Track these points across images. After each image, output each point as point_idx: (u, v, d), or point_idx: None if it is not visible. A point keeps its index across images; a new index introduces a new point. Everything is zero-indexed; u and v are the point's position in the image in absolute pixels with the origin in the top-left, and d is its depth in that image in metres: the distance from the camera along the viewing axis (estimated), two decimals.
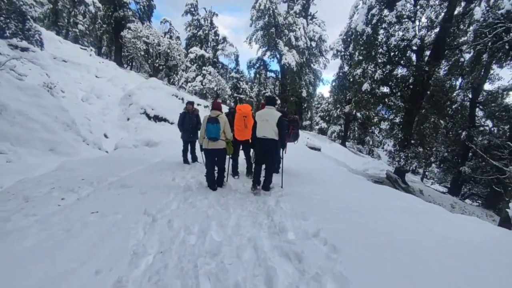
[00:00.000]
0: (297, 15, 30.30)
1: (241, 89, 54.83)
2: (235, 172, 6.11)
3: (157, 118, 13.69)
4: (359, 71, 14.17)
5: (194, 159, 7.13)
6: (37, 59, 14.72)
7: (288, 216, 3.38)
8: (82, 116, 10.43)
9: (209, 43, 41.85)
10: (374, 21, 12.76)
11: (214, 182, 4.93)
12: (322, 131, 43.94)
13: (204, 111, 24.87)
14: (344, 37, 33.38)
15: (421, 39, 12.14)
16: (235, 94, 49.99)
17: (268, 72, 33.43)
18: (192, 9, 42.98)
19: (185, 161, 6.90)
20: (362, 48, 13.53)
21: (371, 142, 40.93)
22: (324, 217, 3.30)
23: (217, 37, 40.27)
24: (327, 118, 52.10)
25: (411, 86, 13.55)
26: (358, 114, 37.57)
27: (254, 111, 5.68)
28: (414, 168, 16.62)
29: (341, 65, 36.09)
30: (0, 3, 12.62)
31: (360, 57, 14.10)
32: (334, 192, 4.91)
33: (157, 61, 26.61)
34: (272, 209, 3.72)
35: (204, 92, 31.87)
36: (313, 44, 30.96)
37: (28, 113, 5.55)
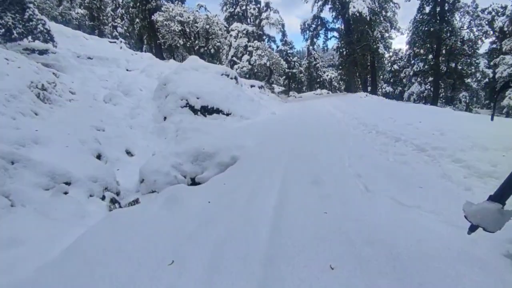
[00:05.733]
0: None
1: (293, 63, 48.74)
2: None
3: (206, 110, 9.20)
4: None
5: None
6: (58, 61, 11.51)
7: None
8: (88, 127, 6.31)
9: (249, 19, 36.55)
10: None
11: None
12: (387, 96, 36.30)
13: (264, 94, 20.01)
14: None
15: None
16: (286, 70, 44.20)
17: (328, 32, 26.83)
18: None
19: None
20: None
21: (467, 99, 32.20)
22: None
23: (258, 6, 34.53)
24: (392, 80, 43.55)
25: None
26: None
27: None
28: None
29: (420, 5, 27.75)
30: None
31: None
32: None
33: (196, 42, 22.32)
34: None
35: (255, 71, 27.00)
36: None
37: None
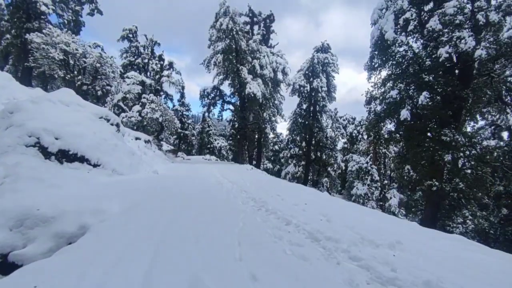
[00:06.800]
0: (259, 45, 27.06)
1: (187, 124, 48.69)
2: None
3: (65, 156, 7.10)
4: (394, 92, 10.28)
5: None
6: None
7: None
8: None
9: (149, 73, 35.67)
10: (410, 27, 9.29)
11: None
12: (267, 171, 40.43)
13: (151, 149, 18.16)
14: (307, 71, 31.38)
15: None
16: (179, 130, 43.50)
17: (225, 104, 28.52)
18: (130, 35, 36.71)
19: None
20: (394, 62, 9.89)
21: (328, 184, 38.45)
22: None
23: (161, 63, 34.39)
24: (272, 159, 49.37)
25: None
26: (318, 154, 35.26)
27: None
28: None
29: (300, 102, 33.78)
30: None
31: (389, 74, 10.38)
32: None
33: (79, 77, 19.37)
34: None
35: (145, 124, 25.07)
36: (278, 76, 27.71)
37: None
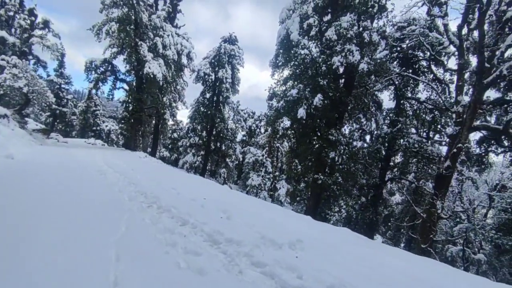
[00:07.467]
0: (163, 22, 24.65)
1: (66, 100, 40.62)
2: None
3: None
4: (294, 91, 10.81)
5: None
6: None
7: None
8: None
9: (14, 30, 27.75)
10: (312, 33, 9.99)
11: None
12: (164, 160, 38.73)
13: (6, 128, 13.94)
14: (213, 60, 30.67)
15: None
16: (54, 106, 35.98)
17: (118, 82, 24.89)
18: None
19: None
20: (295, 63, 10.43)
21: (225, 174, 39.28)
22: None
23: (32, 18, 27.16)
24: (170, 147, 47.19)
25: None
26: (218, 145, 35.48)
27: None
28: None
29: (204, 90, 33.02)
30: None
31: (291, 73, 10.89)
32: None
33: None
34: None
35: (2, 93, 19.35)
36: (183, 59, 26.02)
37: None
